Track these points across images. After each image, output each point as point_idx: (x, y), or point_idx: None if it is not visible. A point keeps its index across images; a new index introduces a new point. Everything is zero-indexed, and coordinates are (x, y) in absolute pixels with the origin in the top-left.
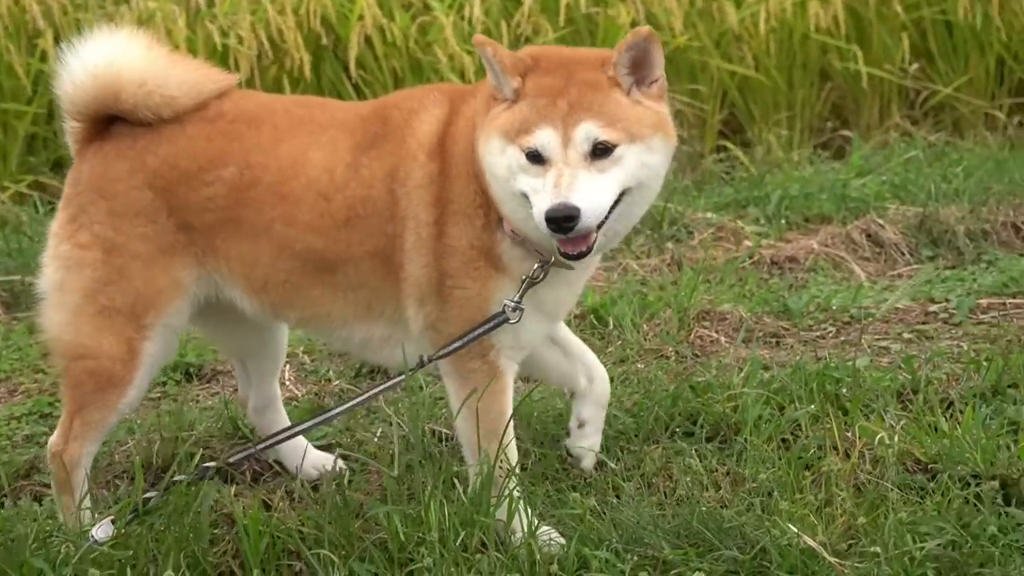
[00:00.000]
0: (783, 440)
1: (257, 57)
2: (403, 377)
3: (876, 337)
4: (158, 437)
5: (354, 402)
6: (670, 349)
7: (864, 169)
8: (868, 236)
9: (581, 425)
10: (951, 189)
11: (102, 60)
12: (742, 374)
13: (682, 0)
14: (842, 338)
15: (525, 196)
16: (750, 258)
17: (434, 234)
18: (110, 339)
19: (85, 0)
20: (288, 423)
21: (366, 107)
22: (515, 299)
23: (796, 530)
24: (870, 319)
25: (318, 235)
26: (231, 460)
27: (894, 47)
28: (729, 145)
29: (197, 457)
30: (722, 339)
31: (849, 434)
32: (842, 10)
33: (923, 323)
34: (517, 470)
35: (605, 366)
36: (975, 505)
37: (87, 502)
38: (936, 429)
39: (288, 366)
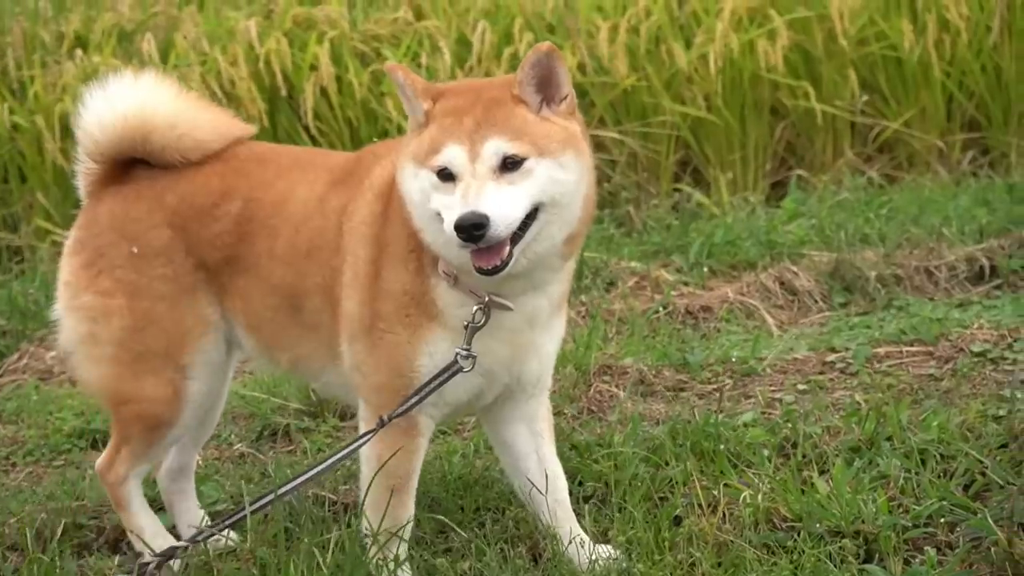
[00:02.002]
0: (661, 498)
1: None
2: (367, 438)
3: (771, 388)
4: (48, 507)
5: (328, 462)
6: (565, 407)
7: (797, 212)
8: (781, 284)
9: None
10: (874, 232)
11: (133, 103)
12: (623, 433)
13: (628, 42)
14: (738, 390)
15: (440, 216)
16: (664, 308)
17: (370, 273)
18: (152, 382)
19: (33, 59)
20: (194, 495)
21: (356, 153)
22: (464, 347)
23: None
24: (765, 371)
25: (288, 267)
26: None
27: (842, 83)
28: (685, 187)
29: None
30: (621, 394)
31: (715, 492)
32: (790, 49)
33: (820, 373)
34: (407, 535)
35: None
36: (835, 563)
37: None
38: (811, 485)
39: None
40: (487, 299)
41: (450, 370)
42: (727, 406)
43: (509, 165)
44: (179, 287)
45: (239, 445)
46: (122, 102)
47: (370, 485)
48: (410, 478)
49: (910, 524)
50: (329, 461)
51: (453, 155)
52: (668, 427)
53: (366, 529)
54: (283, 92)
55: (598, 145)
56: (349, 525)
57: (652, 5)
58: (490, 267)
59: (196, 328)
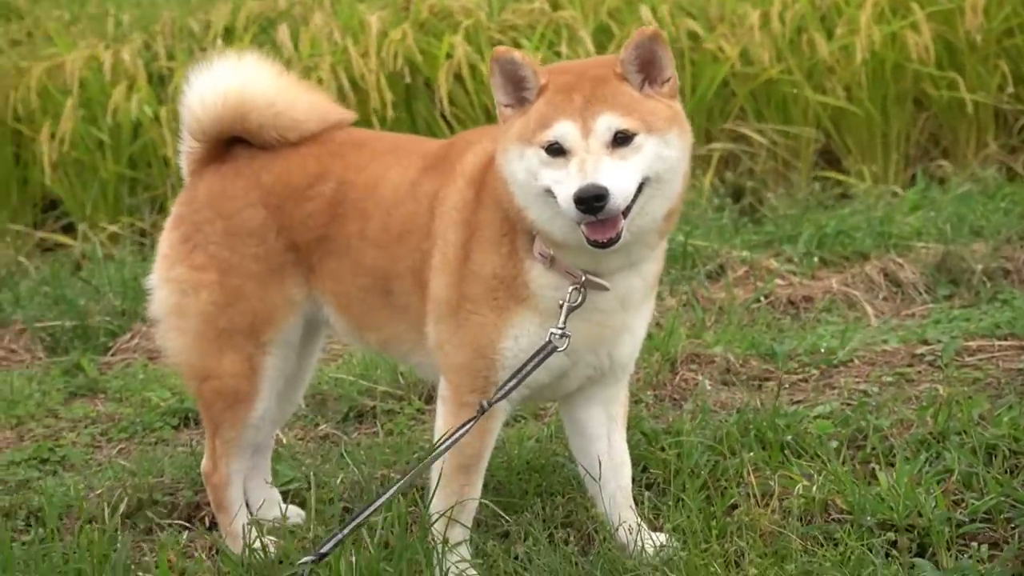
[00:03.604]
0: (721, 488)
1: (340, 98)
2: (467, 428)
3: (856, 380)
4: (127, 484)
5: (435, 454)
6: (649, 393)
7: (919, 204)
8: (886, 275)
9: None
10: (990, 225)
11: (234, 82)
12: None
13: (772, 33)
14: (823, 381)
15: (548, 192)
16: (765, 297)
17: (460, 256)
18: (232, 358)
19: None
20: (268, 472)
21: (449, 140)
22: (560, 326)
23: None
24: (853, 362)
25: (379, 249)
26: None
27: (986, 74)
28: (832, 174)
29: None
30: (707, 383)
31: (772, 483)
32: (932, 40)
33: (909, 365)
34: (470, 516)
35: None
36: (884, 555)
37: (245, 519)
38: (874, 477)
39: None
40: (584, 278)
41: (544, 350)
42: (811, 396)
43: (620, 140)
44: (269, 267)
45: (324, 426)
46: (223, 82)
47: (442, 464)
48: (480, 459)
49: (966, 519)
50: (436, 453)
51: (565, 130)
52: (736, 417)
53: (436, 507)
54: (408, 80)
55: (739, 136)
56: (416, 506)
57: None
58: (605, 239)
59: (281, 308)
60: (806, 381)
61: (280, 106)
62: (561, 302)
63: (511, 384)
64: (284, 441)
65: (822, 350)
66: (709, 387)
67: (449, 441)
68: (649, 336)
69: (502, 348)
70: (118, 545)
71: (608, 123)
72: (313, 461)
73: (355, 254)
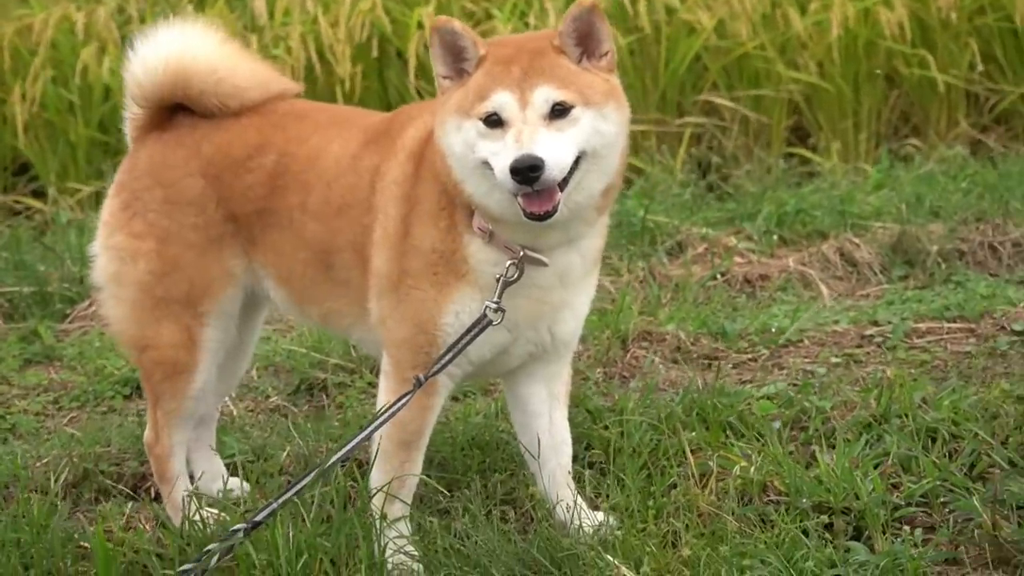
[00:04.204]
0: (662, 468)
1: (307, 69)
2: (404, 402)
3: (805, 360)
4: (73, 453)
5: (370, 428)
6: (599, 370)
7: (881, 183)
8: (842, 255)
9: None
10: (949, 206)
11: (176, 48)
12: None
13: (747, 6)
14: (772, 361)
15: (485, 165)
16: (721, 275)
17: (400, 231)
18: (170, 328)
19: (155, 12)
20: (213, 444)
21: (391, 113)
22: (495, 300)
23: (616, 562)
24: (803, 342)
25: (320, 223)
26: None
27: (958, 53)
28: (800, 151)
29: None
30: (656, 361)
31: (711, 463)
32: (905, 17)
33: (858, 346)
34: (410, 492)
35: None
36: (818, 538)
37: (186, 490)
38: (816, 459)
39: None
40: (522, 253)
41: (479, 324)
42: (759, 376)
43: (557, 112)
44: (208, 237)
45: (275, 398)
46: (166, 48)
47: (380, 439)
48: (421, 435)
49: (902, 503)
50: (370, 429)
51: (503, 101)
52: (680, 396)
53: (375, 482)
54: (375, 52)
55: (711, 110)
56: (356, 481)
57: None
58: (542, 212)
59: (219, 279)
60: (755, 360)
61: (222, 73)
62: (498, 276)
63: (447, 358)
64: (234, 413)
65: (772, 330)
66: (660, 365)
67: (386, 415)
68: (601, 313)
69: (443, 324)
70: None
71: (546, 95)
72: (261, 433)
73: (296, 227)
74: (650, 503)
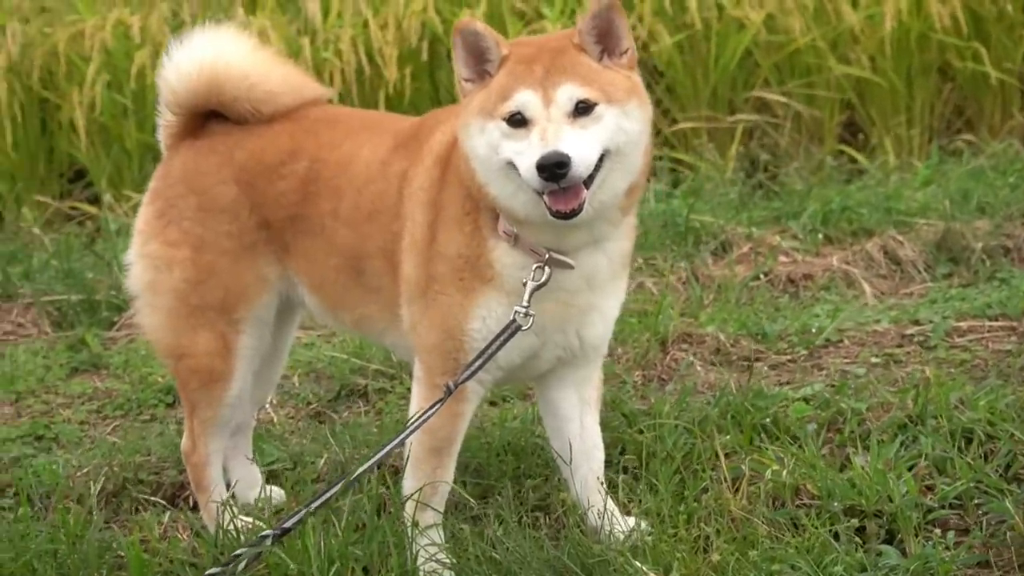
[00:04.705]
0: (696, 471)
1: (357, 72)
2: (435, 409)
3: (845, 361)
4: (113, 463)
5: (400, 436)
6: (638, 373)
7: (930, 179)
8: (886, 253)
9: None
10: (998, 202)
11: (209, 54)
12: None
13: (798, 1)
14: (811, 362)
15: (510, 165)
16: (764, 275)
17: (427, 237)
18: (206, 336)
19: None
20: (250, 452)
21: (420, 118)
22: (524, 304)
23: (645, 568)
24: (843, 342)
25: (351, 229)
26: (287, 526)
27: (1012, 46)
28: (849, 149)
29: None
30: (696, 363)
31: (743, 466)
32: (959, 10)
33: (898, 346)
34: (442, 500)
35: None
36: (850, 542)
37: (221, 499)
38: (849, 462)
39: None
40: (548, 256)
41: (509, 328)
42: (798, 377)
43: (581, 110)
44: (241, 244)
45: (315, 404)
46: (199, 53)
47: (412, 445)
48: (452, 442)
49: (936, 505)
50: (401, 436)
51: (526, 99)
52: (716, 399)
53: (406, 489)
54: (424, 55)
55: (763, 106)
56: (389, 488)
57: None
58: (568, 210)
59: (254, 286)
60: (794, 362)
61: (254, 78)
62: (525, 281)
63: (477, 364)
64: (275, 419)
65: (812, 330)
66: (699, 367)
67: (417, 422)
68: (641, 315)
69: (470, 329)
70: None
71: (569, 93)
72: (300, 440)
73: (327, 233)
74: (681, 508)
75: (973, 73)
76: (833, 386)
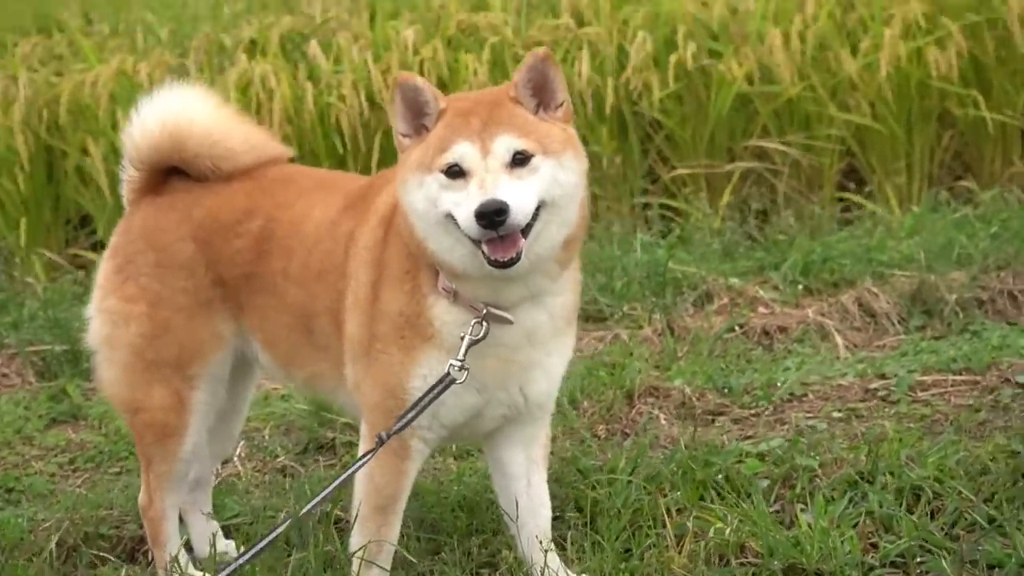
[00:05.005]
0: (646, 527)
1: (359, 114)
2: (368, 457)
3: (808, 415)
4: (75, 516)
5: (334, 484)
6: (602, 427)
7: (916, 228)
8: (860, 305)
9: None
10: (977, 252)
11: (173, 111)
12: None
13: (793, 49)
14: (775, 416)
15: (449, 218)
16: (740, 327)
17: (370, 296)
18: (160, 391)
19: (214, 63)
20: (209, 507)
21: (370, 178)
22: (460, 358)
23: None
24: (807, 397)
25: (300, 288)
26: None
27: (1014, 92)
28: (849, 196)
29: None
30: (661, 416)
31: (689, 523)
32: (956, 56)
33: (861, 400)
34: (387, 562)
35: None
36: None
37: (181, 554)
38: (795, 520)
39: (243, 441)
40: (485, 311)
41: (443, 382)
42: (760, 432)
43: (518, 160)
44: (197, 301)
45: (283, 457)
46: (163, 110)
47: (360, 504)
48: (397, 500)
49: (878, 563)
50: (333, 485)
51: (464, 151)
52: (669, 455)
53: (353, 546)
54: None
55: (763, 153)
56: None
57: (819, 11)
58: (506, 259)
59: (209, 342)
60: (757, 416)
61: (216, 135)
62: (463, 335)
63: (409, 417)
64: (241, 473)
65: (778, 384)
66: (664, 421)
67: (347, 473)
68: (610, 368)
69: (410, 387)
70: None
71: (507, 144)
72: (263, 494)
73: (279, 292)
74: (623, 566)
75: (974, 120)
76: (790, 441)
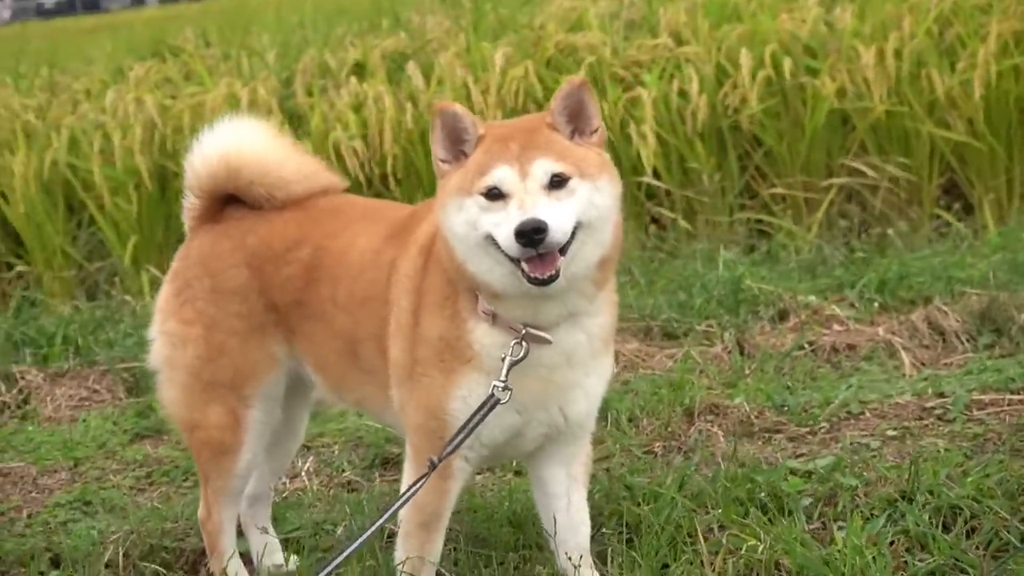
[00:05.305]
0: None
1: None
2: (420, 484)
3: (863, 433)
4: (140, 529)
5: (385, 516)
6: (658, 444)
7: (1001, 245)
8: (930, 323)
9: None
10: None
11: (231, 140)
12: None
13: (886, 68)
14: (830, 435)
15: (488, 239)
16: (809, 345)
17: (411, 322)
18: (217, 411)
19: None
20: (268, 522)
21: (413, 208)
22: (502, 379)
23: None
24: (864, 415)
25: (347, 315)
26: None
27: None
28: (942, 213)
29: None
30: (720, 434)
31: (724, 540)
32: None
33: (918, 419)
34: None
35: None
36: None
37: (238, 566)
38: (833, 538)
39: (312, 455)
40: (524, 331)
41: (487, 404)
42: (814, 450)
43: (556, 183)
44: (250, 325)
45: (348, 472)
46: (222, 140)
47: (403, 520)
48: (439, 517)
49: None
50: (392, 510)
51: (503, 174)
52: (713, 473)
53: (396, 561)
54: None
55: (858, 172)
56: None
57: (916, 28)
58: (545, 276)
59: (262, 364)
60: (813, 434)
61: (270, 165)
62: (504, 356)
63: (457, 440)
64: (308, 487)
65: (836, 402)
66: (721, 439)
67: (399, 502)
68: (673, 386)
69: (451, 409)
70: None
71: (545, 167)
72: (324, 508)
73: (327, 318)
74: None
75: None
76: (845, 460)
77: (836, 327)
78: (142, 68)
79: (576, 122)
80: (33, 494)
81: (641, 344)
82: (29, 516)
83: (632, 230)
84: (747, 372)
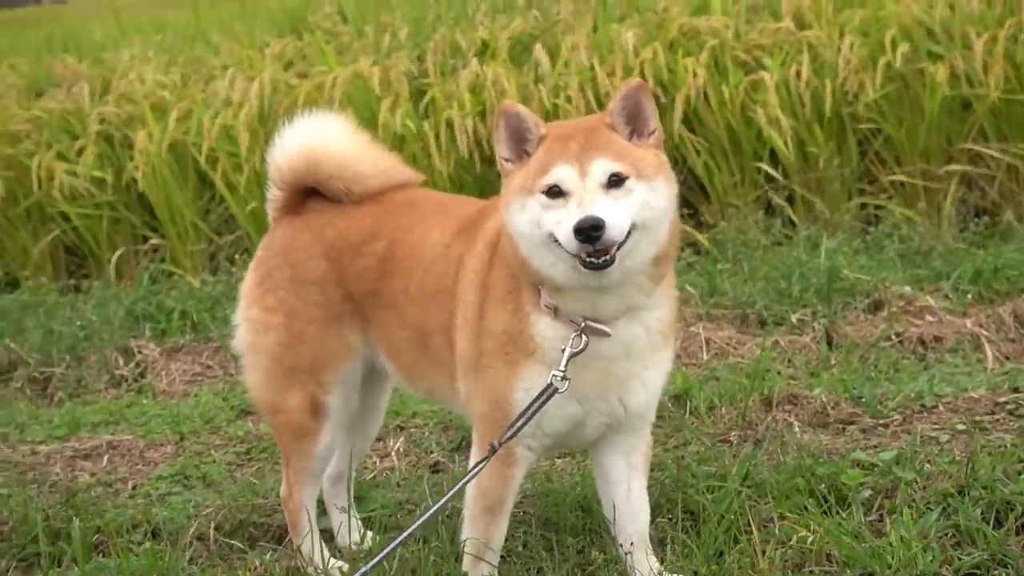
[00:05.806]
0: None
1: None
2: (481, 467)
3: (934, 427)
4: (232, 504)
5: (455, 488)
6: (734, 434)
7: None
8: (1015, 316)
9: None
10: None
11: (311, 135)
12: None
13: (997, 53)
14: (902, 427)
15: (551, 237)
16: (896, 336)
17: (477, 315)
18: (296, 395)
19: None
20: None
21: (482, 204)
22: (561, 369)
23: None
24: (937, 408)
25: (418, 307)
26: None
27: None
28: None
29: None
30: (796, 424)
31: (777, 530)
32: None
33: (990, 413)
34: (495, 558)
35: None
36: None
37: (317, 542)
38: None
39: (403, 436)
40: (584, 324)
41: (546, 392)
42: (885, 442)
43: (614, 182)
44: (328, 314)
45: (436, 453)
46: (302, 135)
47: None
48: (503, 502)
49: (951, 575)
50: (454, 490)
51: (563, 173)
52: (776, 464)
53: (461, 539)
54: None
55: (975, 157)
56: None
57: None
58: (600, 260)
59: (340, 352)
60: (886, 426)
61: (348, 160)
62: (564, 347)
63: (517, 425)
64: (395, 467)
65: (912, 395)
66: (797, 429)
67: (459, 485)
68: (753, 375)
69: (514, 399)
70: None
71: (603, 166)
72: (408, 487)
73: (400, 309)
74: (713, 568)
75: None
76: (914, 453)
77: (928, 318)
78: (279, 45)
79: (634, 123)
80: (139, 466)
81: (736, 332)
82: (133, 488)
83: (750, 213)
84: (833, 362)
